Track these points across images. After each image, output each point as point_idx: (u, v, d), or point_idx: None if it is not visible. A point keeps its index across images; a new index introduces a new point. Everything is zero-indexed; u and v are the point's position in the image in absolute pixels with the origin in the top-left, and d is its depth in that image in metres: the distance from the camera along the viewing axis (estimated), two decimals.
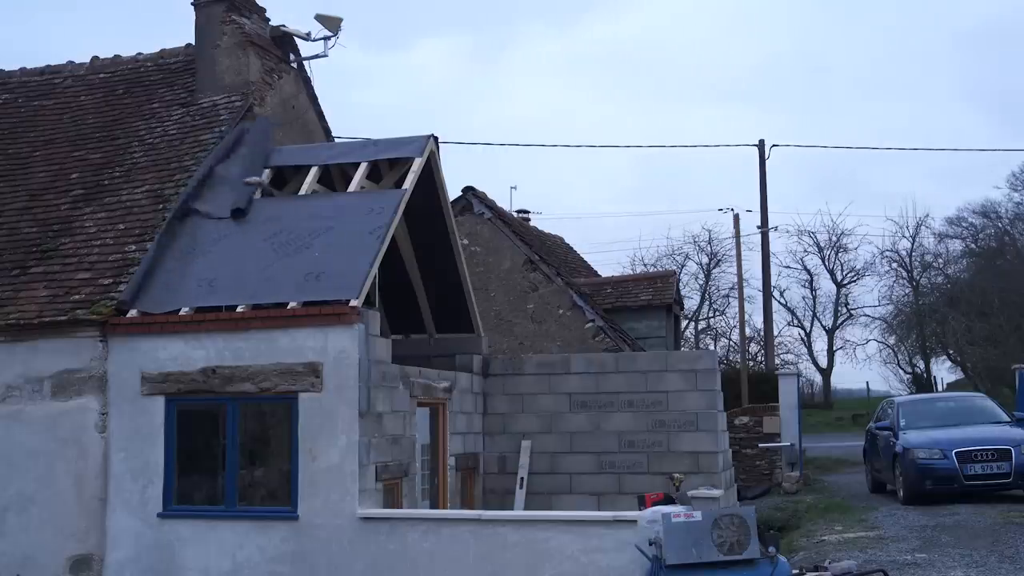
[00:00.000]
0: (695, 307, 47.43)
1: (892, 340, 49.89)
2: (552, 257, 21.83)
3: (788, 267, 49.70)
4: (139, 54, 15.62)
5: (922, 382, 47.08)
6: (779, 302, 48.04)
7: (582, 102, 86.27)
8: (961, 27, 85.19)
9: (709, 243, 48.00)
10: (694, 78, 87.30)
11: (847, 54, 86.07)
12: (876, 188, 70.29)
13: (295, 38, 14.77)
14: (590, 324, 18.98)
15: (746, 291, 38.37)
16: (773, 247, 38.80)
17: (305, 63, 14.95)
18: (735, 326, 44.09)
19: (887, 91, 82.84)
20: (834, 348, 50.17)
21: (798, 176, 75.81)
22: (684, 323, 40.63)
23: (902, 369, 50.47)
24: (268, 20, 14.72)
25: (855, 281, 49.96)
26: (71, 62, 16.01)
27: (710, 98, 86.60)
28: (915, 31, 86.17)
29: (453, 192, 17.72)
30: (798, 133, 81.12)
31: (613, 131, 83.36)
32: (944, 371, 49.90)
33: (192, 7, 14.34)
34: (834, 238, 49.41)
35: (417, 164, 12.42)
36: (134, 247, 11.82)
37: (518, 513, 12.37)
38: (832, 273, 49.97)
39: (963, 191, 71.74)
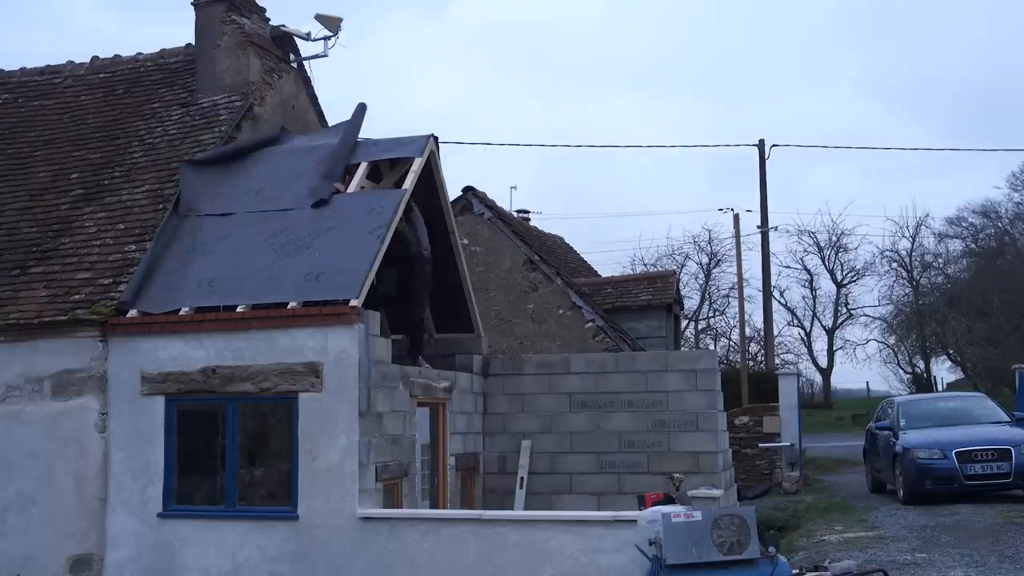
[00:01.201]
0: (695, 307, 47.46)
1: (892, 340, 49.98)
2: (552, 257, 21.83)
3: (788, 267, 49.83)
4: (139, 54, 15.62)
5: (922, 382, 47.10)
6: (779, 302, 48.14)
7: (465, 90, 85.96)
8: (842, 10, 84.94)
9: (709, 243, 48.10)
10: (569, 63, 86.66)
11: (732, 35, 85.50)
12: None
13: (295, 38, 14.77)
14: (590, 324, 18.98)
15: (746, 291, 38.43)
16: (773, 247, 38.87)
17: (305, 63, 14.96)
18: (735, 326, 44.16)
19: (778, 76, 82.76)
20: (834, 348, 50.28)
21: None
22: (684, 323, 40.63)
23: (902, 369, 50.58)
24: (268, 20, 14.72)
25: (855, 281, 50.08)
26: (71, 62, 16.00)
27: (598, 84, 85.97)
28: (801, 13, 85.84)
29: (453, 192, 17.72)
30: (691, 120, 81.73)
31: (517, 120, 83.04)
32: (944, 371, 50.03)
33: (192, 7, 14.34)
34: (834, 238, 49.53)
35: (417, 164, 12.42)
36: (134, 247, 11.83)
37: (518, 513, 12.37)
38: (832, 273, 50.07)
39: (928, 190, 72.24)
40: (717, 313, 49.00)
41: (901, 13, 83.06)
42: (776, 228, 39.12)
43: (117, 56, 15.75)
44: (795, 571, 9.59)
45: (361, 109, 13.32)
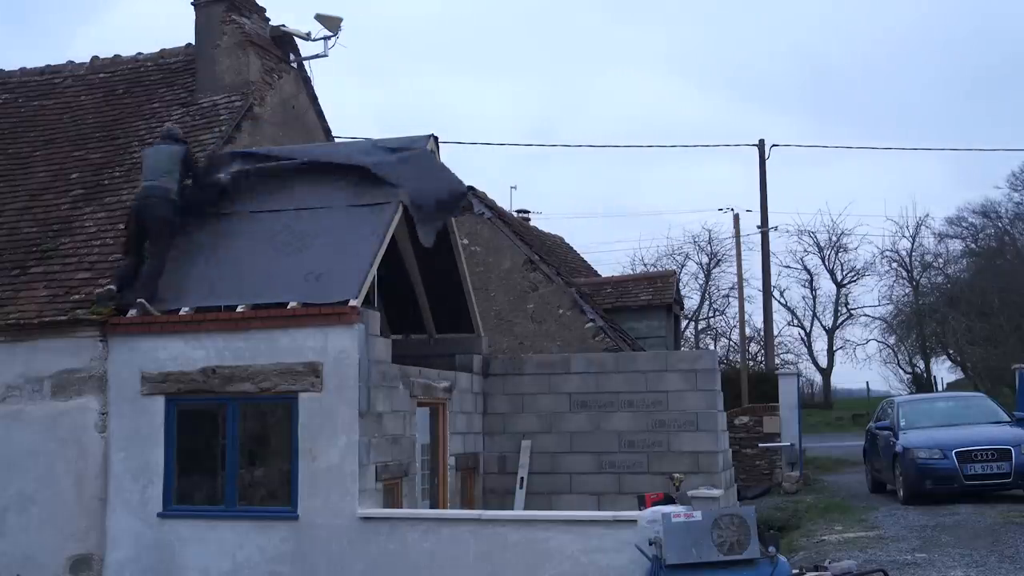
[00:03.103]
0: (695, 307, 47.45)
1: (892, 340, 49.94)
2: (552, 257, 21.83)
3: (788, 267, 49.79)
4: (139, 54, 15.62)
5: (922, 382, 47.08)
6: (779, 302, 48.12)
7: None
8: None
9: (709, 243, 48.07)
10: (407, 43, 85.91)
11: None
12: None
13: (295, 38, 14.77)
14: (590, 324, 18.96)
15: (746, 291, 38.45)
16: (773, 247, 38.90)
17: (305, 63, 14.96)
18: (735, 326, 44.16)
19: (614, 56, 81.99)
20: (834, 348, 50.23)
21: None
22: (684, 323, 40.63)
23: (902, 369, 50.56)
24: (268, 20, 14.72)
25: (855, 281, 50.04)
26: (71, 62, 16.01)
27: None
28: None
29: None
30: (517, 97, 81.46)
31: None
32: (944, 371, 50.04)
33: (192, 7, 14.34)
34: (834, 238, 49.51)
35: None
36: None
37: (518, 513, 12.36)
38: (832, 273, 50.04)
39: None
40: (717, 313, 49.05)
41: None
42: (776, 228, 39.19)
43: (117, 56, 15.76)
44: (795, 571, 9.59)
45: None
